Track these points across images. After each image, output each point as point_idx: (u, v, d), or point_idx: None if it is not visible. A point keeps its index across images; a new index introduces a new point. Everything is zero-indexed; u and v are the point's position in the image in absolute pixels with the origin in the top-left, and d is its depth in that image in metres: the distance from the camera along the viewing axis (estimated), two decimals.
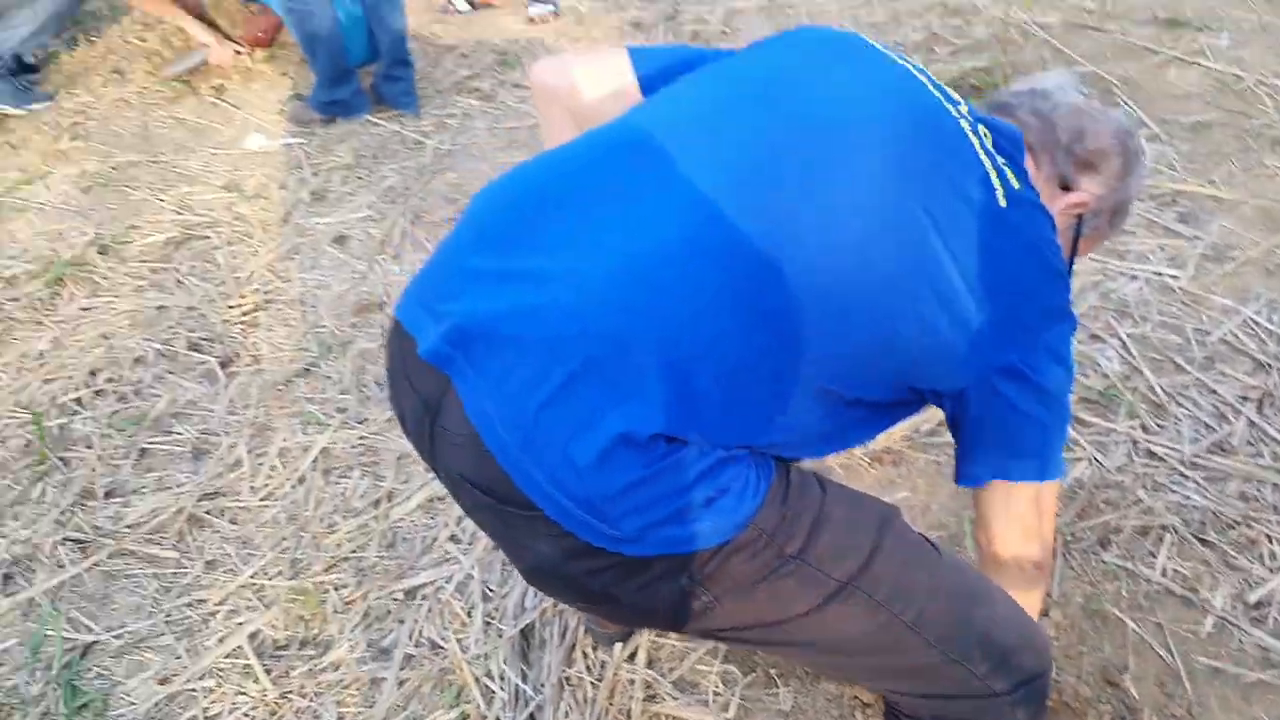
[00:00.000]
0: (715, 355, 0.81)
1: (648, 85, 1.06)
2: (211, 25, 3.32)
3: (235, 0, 3.58)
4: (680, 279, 0.81)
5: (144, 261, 2.45)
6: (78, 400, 2.05)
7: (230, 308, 2.28)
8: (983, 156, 0.92)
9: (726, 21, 3.31)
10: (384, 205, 2.62)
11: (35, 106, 3.10)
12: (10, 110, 3.06)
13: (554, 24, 3.43)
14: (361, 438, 1.91)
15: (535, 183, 0.92)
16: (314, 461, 1.86)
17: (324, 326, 2.22)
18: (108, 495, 1.83)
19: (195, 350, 2.17)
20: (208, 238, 2.53)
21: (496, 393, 0.81)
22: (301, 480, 1.83)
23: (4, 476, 1.89)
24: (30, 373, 2.12)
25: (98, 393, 2.07)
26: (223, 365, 2.13)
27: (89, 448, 1.93)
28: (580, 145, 0.94)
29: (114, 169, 2.84)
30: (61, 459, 1.91)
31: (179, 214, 2.62)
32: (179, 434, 1.96)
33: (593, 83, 1.08)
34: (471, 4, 3.57)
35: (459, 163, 2.78)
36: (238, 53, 3.26)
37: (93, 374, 2.11)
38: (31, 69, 3.22)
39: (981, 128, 0.95)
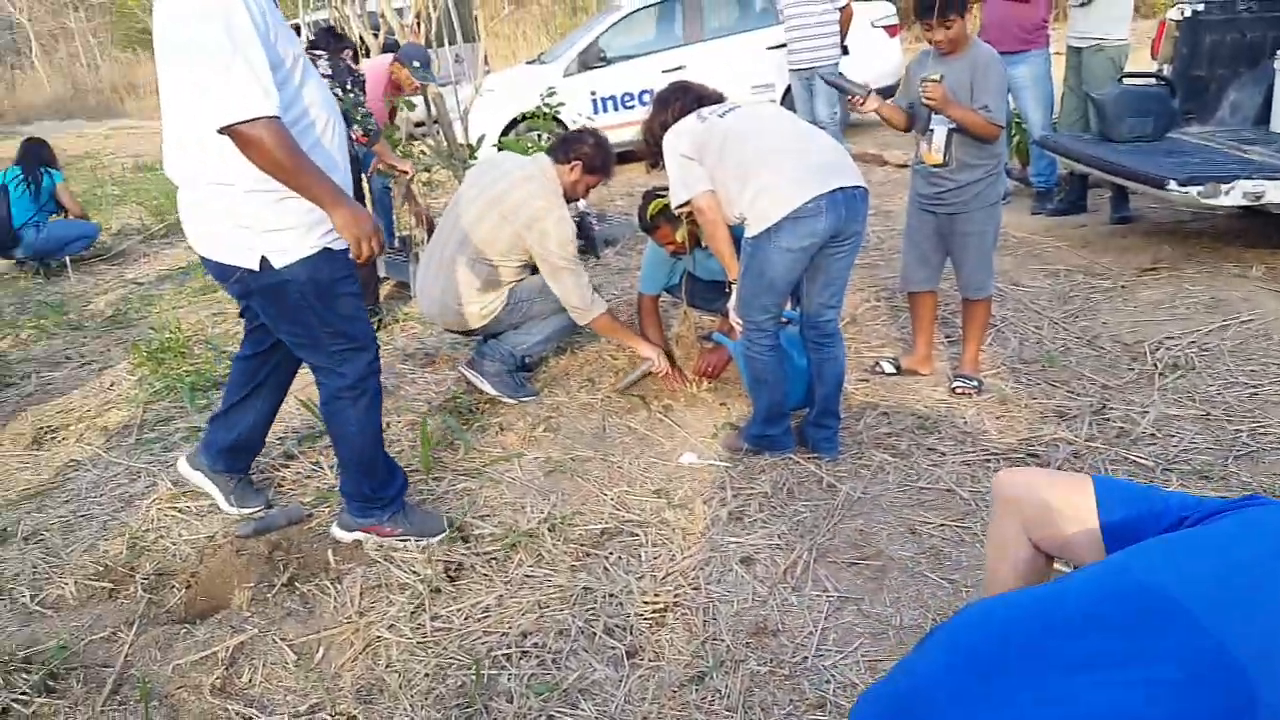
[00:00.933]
0: None
1: (1113, 532, 1.14)
2: (669, 354, 3.91)
3: (692, 335, 4.20)
4: None
5: (581, 544, 2.81)
6: (508, 656, 2.35)
7: (645, 603, 2.53)
8: None
9: (1157, 426, 3.27)
10: (792, 537, 2.81)
11: (524, 399, 3.78)
12: (507, 400, 3.76)
13: (975, 399, 3.60)
14: None
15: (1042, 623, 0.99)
16: None
17: (721, 640, 2.38)
18: None
19: (609, 634, 2.42)
20: (636, 535, 2.86)
21: None
22: None
23: (438, 709, 2.19)
24: (477, 622, 2.48)
25: (524, 653, 2.36)
26: (629, 655, 2.34)
27: (509, 701, 2.19)
28: (1086, 595, 1.01)
29: (572, 459, 3.34)
30: (485, 707, 2.18)
31: (616, 509, 3.00)
32: (582, 711, 2.16)
33: (1056, 509, 1.18)
34: (897, 368, 3.86)
35: (867, 511, 2.93)
36: (685, 380, 3.79)
37: (524, 635, 2.42)
38: (528, 368, 3.94)
39: None
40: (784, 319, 3.27)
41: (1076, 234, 5.52)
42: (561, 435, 3.54)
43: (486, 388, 3.78)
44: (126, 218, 8.61)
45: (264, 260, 2.40)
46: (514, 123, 8.47)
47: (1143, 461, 3.07)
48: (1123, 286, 4.61)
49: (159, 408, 4.07)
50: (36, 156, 6.91)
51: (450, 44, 8.71)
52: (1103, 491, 1.17)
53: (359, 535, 2.84)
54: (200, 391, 4.13)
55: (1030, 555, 1.26)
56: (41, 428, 3.96)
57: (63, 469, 3.57)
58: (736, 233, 3.16)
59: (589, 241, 5.58)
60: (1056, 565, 1.48)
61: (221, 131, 2.13)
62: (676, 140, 3.14)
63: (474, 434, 3.57)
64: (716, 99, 3.32)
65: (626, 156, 8.93)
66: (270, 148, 2.14)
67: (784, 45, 7.61)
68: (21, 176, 6.76)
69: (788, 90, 8.19)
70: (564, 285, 3.64)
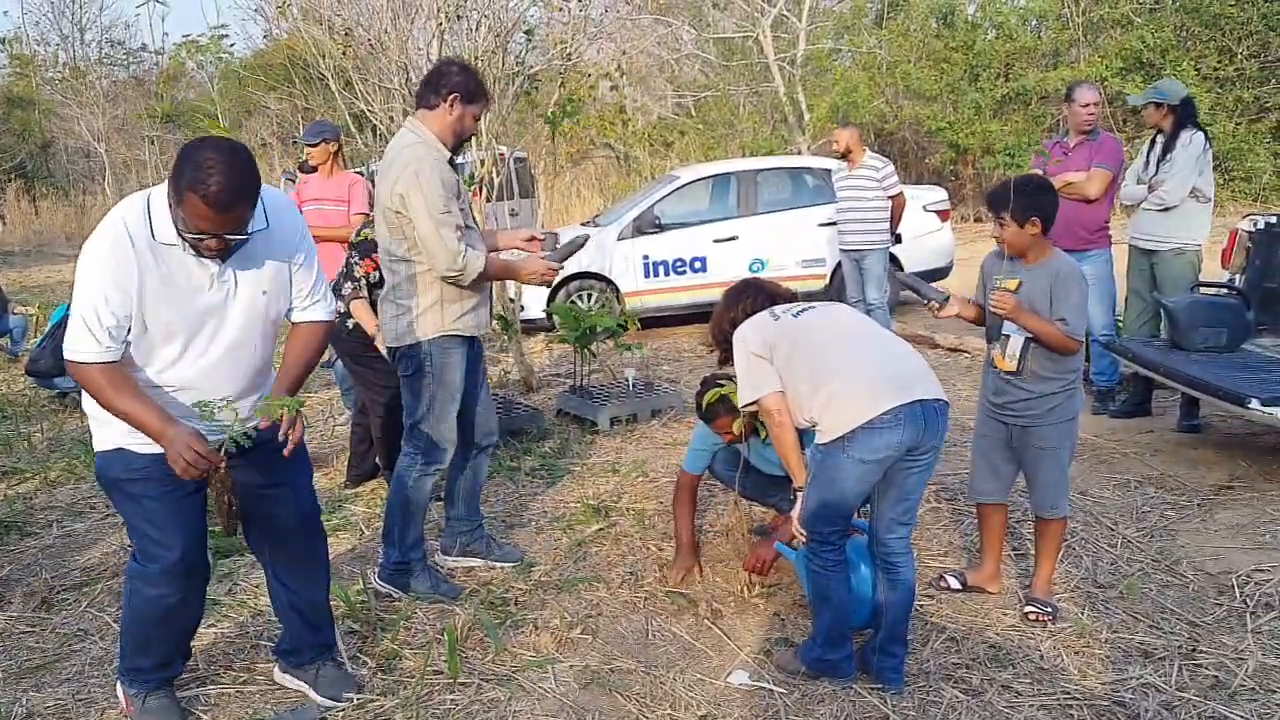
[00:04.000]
0: None
1: None
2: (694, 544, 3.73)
3: (743, 527, 3.98)
4: None
5: None
6: None
7: None
8: None
9: (1257, 679, 2.97)
10: None
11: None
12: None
13: (1051, 628, 3.32)
14: None
15: None
16: None
17: None
18: None
19: None
20: None
21: None
22: None
23: None
24: None
25: None
26: None
27: None
28: None
29: (611, 670, 3.08)
30: None
31: None
32: None
33: None
34: (963, 584, 3.60)
35: None
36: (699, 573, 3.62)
37: None
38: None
39: None
40: (852, 527, 3.06)
41: (1144, 440, 5.29)
42: (600, 639, 3.29)
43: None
44: None
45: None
46: (564, 282, 8.50)
47: None
48: (1199, 505, 4.34)
49: None
50: None
51: (507, 198, 8.90)
52: None
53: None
54: (222, 555, 3.95)
55: None
56: (55, 587, 3.77)
57: (69, 639, 3.36)
58: (806, 438, 3.00)
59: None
60: None
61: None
62: (747, 337, 3.01)
63: (507, 630, 3.33)
64: (789, 297, 3.21)
65: (673, 320, 8.96)
66: (91, 388, 2.42)
67: (835, 223, 7.66)
68: None
69: (838, 267, 8.20)
70: (430, 246, 3.32)
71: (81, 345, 2.37)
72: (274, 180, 13.73)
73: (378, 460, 4.80)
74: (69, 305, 6.76)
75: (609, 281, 8.70)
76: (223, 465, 2.41)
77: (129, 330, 2.39)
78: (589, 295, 8.67)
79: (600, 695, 2.95)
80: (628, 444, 5.52)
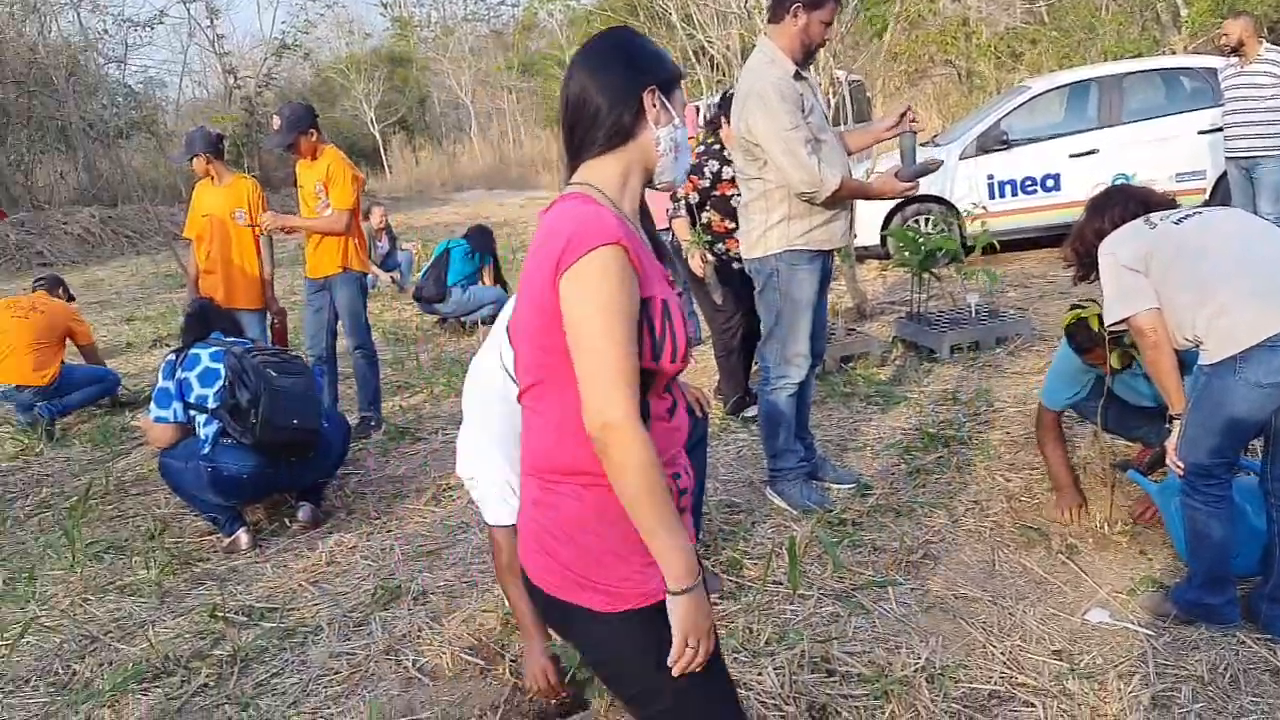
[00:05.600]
0: None
1: None
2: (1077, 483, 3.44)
3: (1105, 461, 3.66)
4: None
5: (965, 706, 2.45)
6: None
7: None
8: None
9: None
10: None
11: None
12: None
13: None
14: None
15: None
16: None
17: None
18: None
19: None
20: (1031, 705, 2.45)
21: None
22: None
23: None
24: None
25: None
26: None
27: None
28: None
29: (955, 597, 2.98)
30: None
31: (1008, 668, 2.60)
32: None
33: None
34: None
35: None
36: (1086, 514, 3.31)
37: None
38: None
39: None
40: (1241, 468, 2.71)
41: None
42: (942, 566, 3.18)
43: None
44: None
45: None
46: (900, 206, 8.18)
47: None
48: None
49: None
50: (480, 240, 7.75)
51: (844, 125, 8.68)
52: None
53: None
54: None
55: None
56: (442, 486, 4.28)
57: (454, 530, 3.80)
58: (1188, 358, 2.68)
59: None
60: None
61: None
62: (1117, 248, 2.72)
63: (844, 550, 3.32)
64: (1166, 204, 2.86)
65: (1023, 243, 8.34)
66: None
67: (1220, 130, 6.71)
68: (467, 249, 7.61)
69: (1220, 179, 7.21)
70: (784, 165, 3.35)
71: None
72: None
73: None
74: (448, 242, 7.61)
75: (949, 204, 8.26)
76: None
77: None
78: (926, 219, 8.28)
79: (943, 620, 2.87)
80: (970, 373, 5.25)
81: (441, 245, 7.88)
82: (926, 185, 7.96)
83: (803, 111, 3.35)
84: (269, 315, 5.30)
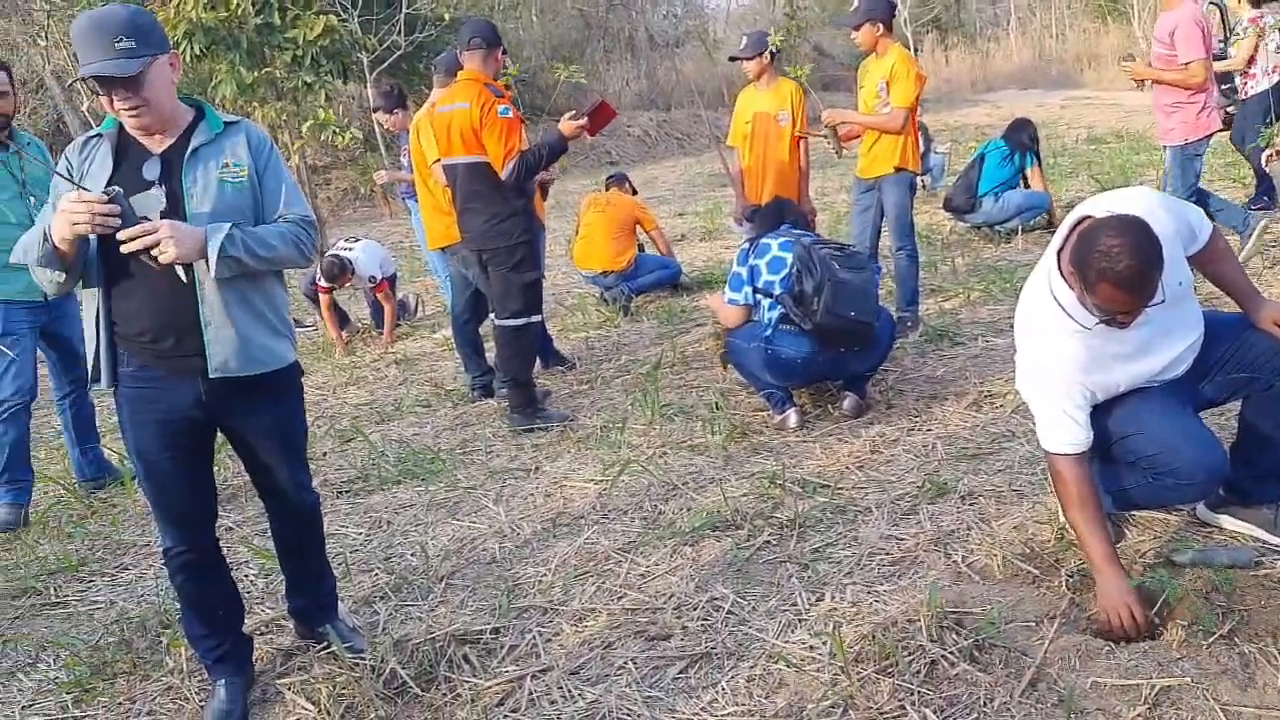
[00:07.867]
0: None
1: None
2: None
3: None
4: None
5: None
6: None
7: None
8: None
9: None
10: None
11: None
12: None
13: None
14: None
15: None
16: None
17: None
18: None
19: None
20: None
21: None
22: None
23: None
24: None
25: None
26: None
27: None
28: None
29: None
30: None
31: None
32: None
33: None
34: None
35: None
36: None
37: None
38: None
39: None
40: None
41: None
42: None
43: None
44: (1078, 190, 8.68)
45: None
46: None
47: None
48: None
49: None
50: (1020, 137, 7.37)
51: None
52: None
53: None
54: None
55: None
56: (983, 392, 4.22)
57: (999, 437, 3.74)
58: None
59: None
60: None
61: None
62: None
63: None
64: None
65: None
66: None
67: None
68: (1005, 150, 7.29)
69: None
70: None
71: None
72: None
73: None
74: (984, 146, 7.31)
75: None
76: None
77: None
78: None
79: None
80: None
81: (978, 150, 7.57)
82: None
83: None
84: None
